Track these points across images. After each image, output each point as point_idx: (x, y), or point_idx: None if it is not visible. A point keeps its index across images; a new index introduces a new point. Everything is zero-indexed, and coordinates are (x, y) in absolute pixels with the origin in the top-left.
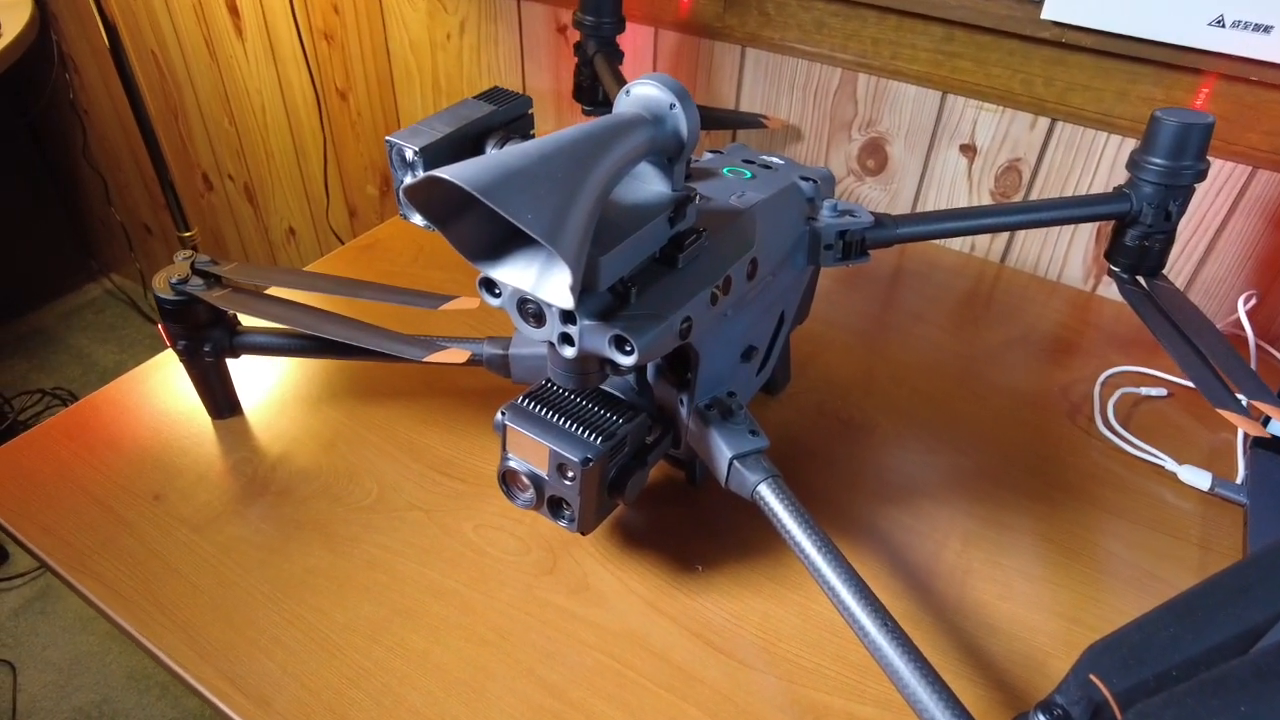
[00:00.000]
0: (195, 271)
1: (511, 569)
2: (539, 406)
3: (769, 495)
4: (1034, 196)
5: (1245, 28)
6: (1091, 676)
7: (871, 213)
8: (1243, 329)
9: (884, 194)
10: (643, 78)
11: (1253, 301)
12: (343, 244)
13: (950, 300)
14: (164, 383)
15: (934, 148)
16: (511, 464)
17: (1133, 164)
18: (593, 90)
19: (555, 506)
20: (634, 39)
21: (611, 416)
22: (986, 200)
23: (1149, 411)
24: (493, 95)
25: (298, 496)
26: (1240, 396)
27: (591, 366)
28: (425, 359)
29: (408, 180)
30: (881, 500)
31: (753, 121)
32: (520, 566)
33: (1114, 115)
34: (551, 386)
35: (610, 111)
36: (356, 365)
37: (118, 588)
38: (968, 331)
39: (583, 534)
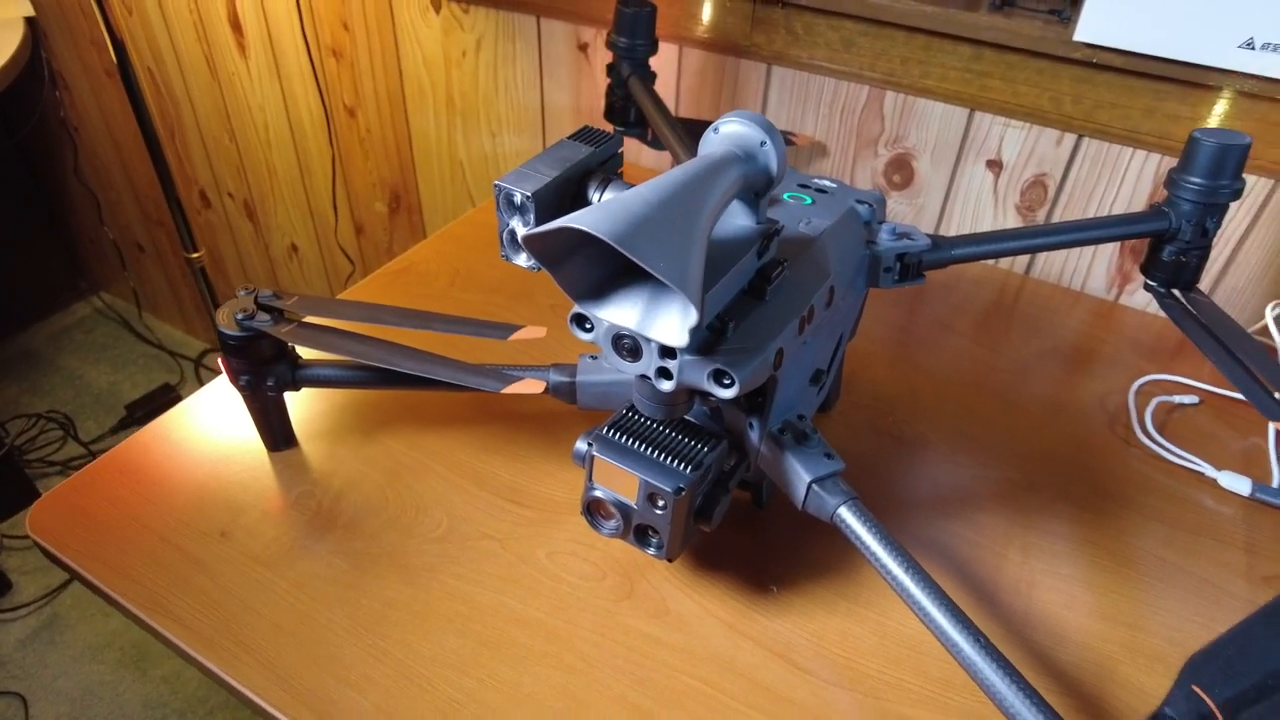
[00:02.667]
0: (260, 306)
1: (589, 595)
2: (625, 437)
3: (851, 518)
4: (1059, 210)
5: (1274, 49)
6: (1195, 688)
7: (927, 235)
8: (1270, 337)
9: (909, 208)
10: (729, 116)
11: (1278, 310)
12: (351, 261)
13: (977, 311)
14: (214, 416)
15: (960, 163)
16: (597, 494)
17: (1170, 183)
18: (625, 110)
19: (642, 534)
20: (658, 56)
21: (697, 445)
22: (1012, 214)
23: (1182, 419)
24: (587, 135)
25: (367, 530)
26: None
27: (681, 398)
28: (504, 390)
29: (516, 223)
30: (940, 515)
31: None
32: (597, 592)
33: (1140, 132)
34: (634, 416)
35: (643, 131)
36: (408, 395)
37: (198, 629)
38: (999, 342)
39: (669, 560)
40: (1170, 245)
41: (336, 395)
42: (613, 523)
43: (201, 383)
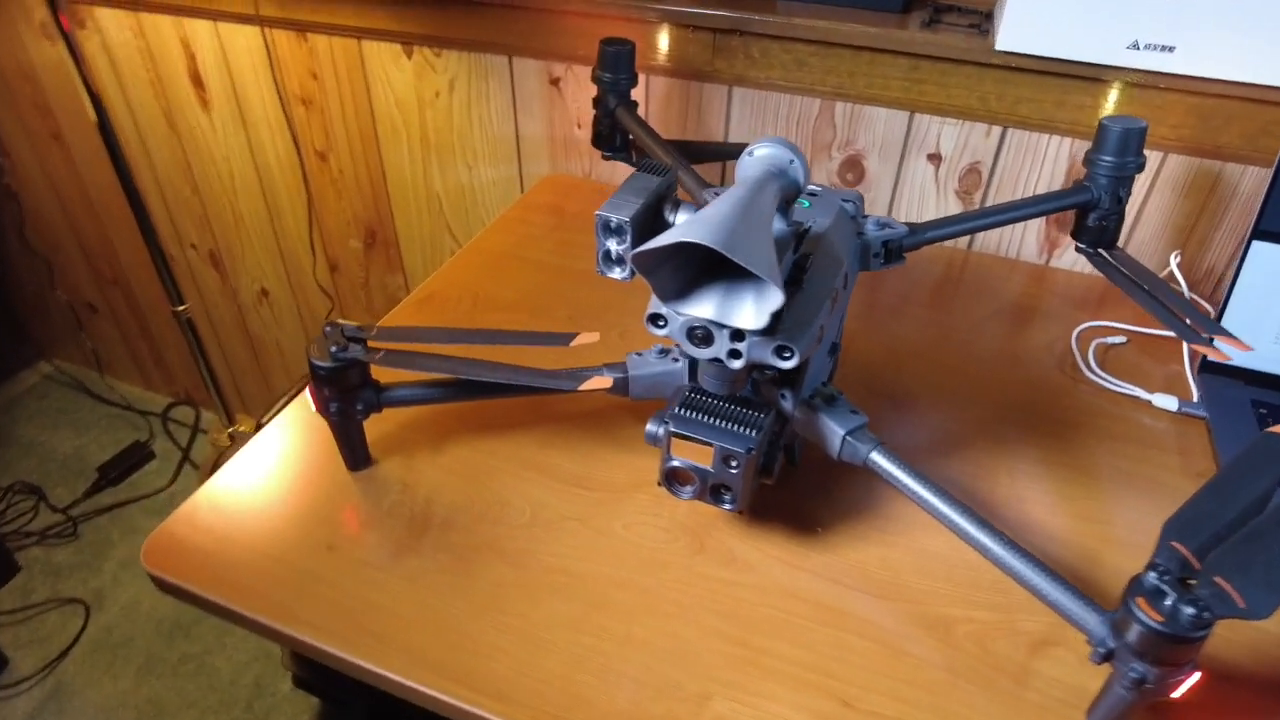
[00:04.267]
0: (348, 338)
1: (668, 554)
2: (695, 413)
3: (882, 460)
4: (992, 191)
5: (1155, 49)
6: (1173, 543)
7: (904, 223)
8: (1177, 281)
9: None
10: (761, 141)
11: (1179, 258)
12: (330, 298)
13: (931, 285)
14: (288, 447)
15: (905, 159)
16: (676, 463)
17: (1088, 162)
18: (611, 137)
19: (716, 493)
20: None
21: (754, 413)
22: (952, 199)
23: (1115, 356)
24: (650, 168)
25: (461, 525)
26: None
27: (741, 376)
28: (580, 388)
29: (613, 244)
30: (939, 454)
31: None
32: (674, 551)
33: (1055, 121)
34: (697, 397)
35: (628, 155)
36: (464, 406)
37: (331, 629)
38: (955, 309)
39: (740, 512)
40: (1094, 213)
41: (401, 416)
42: (690, 487)
43: (172, 437)
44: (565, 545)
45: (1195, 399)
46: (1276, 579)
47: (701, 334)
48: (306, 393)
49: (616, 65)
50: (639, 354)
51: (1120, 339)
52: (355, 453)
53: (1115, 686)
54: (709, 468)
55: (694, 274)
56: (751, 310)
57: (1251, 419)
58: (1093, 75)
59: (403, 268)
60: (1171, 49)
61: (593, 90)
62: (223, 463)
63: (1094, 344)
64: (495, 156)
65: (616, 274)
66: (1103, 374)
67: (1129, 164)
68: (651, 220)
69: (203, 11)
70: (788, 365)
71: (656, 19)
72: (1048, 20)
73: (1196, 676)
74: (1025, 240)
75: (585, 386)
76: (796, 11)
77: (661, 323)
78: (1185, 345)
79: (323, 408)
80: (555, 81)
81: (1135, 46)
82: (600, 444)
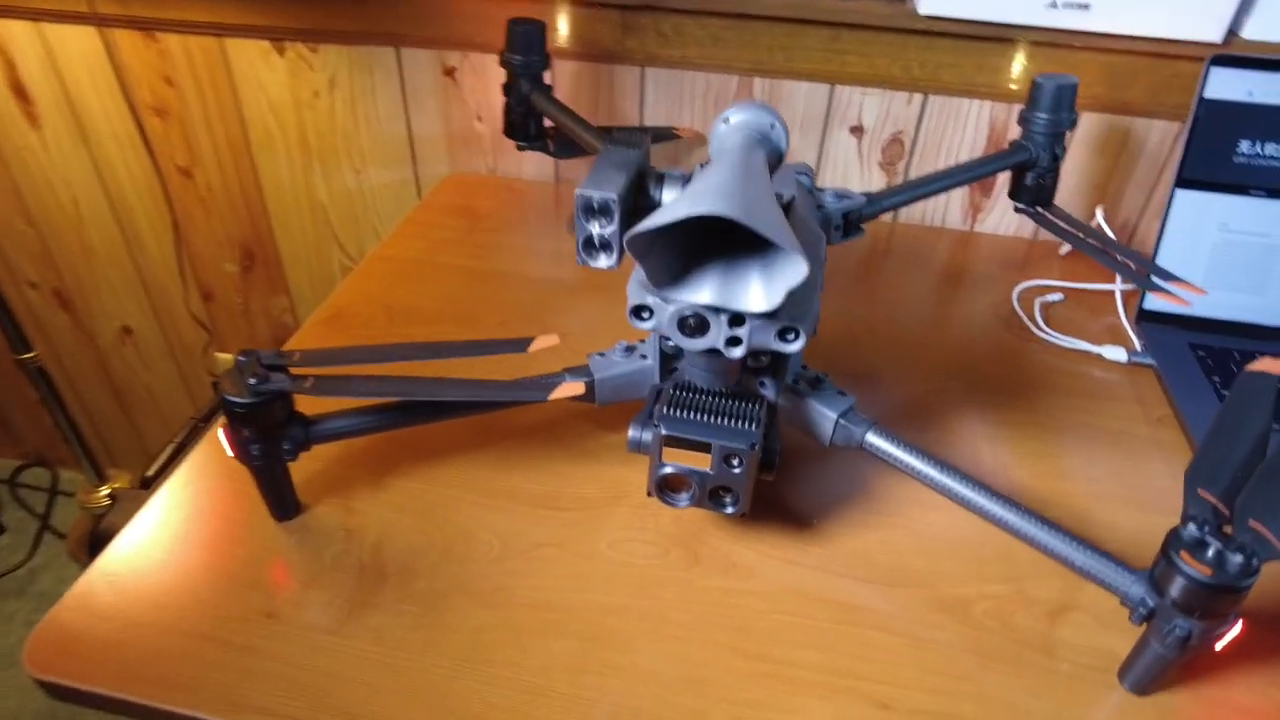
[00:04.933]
0: (267, 367)
1: (662, 570)
2: (687, 412)
3: (878, 440)
4: (915, 161)
5: (1072, 7)
6: (1201, 491)
7: (861, 193)
8: (1104, 232)
9: None
10: (735, 106)
11: (1102, 210)
12: (206, 330)
13: (865, 259)
14: (193, 504)
15: (827, 132)
16: (669, 470)
17: (1024, 120)
18: (525, 126)
19: (716, 497)
20: None
21: (747, 405)
22: (876, 171)
23: (1055, 313)
24: (624, 140)
25: (422, 570)
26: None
27: (735, 366)
28: (551, 397)
29: (596, 227)
30: (916, 428)
31: (666, 134)
32: (668, 566)
33: (976, 84)
34: (684, 394)
35: (545, 144)
36: (403, 434)
37: (288, 713)
38: (895, 281)
39: (744, 514)
40: (1032, 172)
41: (331, 451)
42: (686, 494)
43: (24, 504)
44: (546, 576)
45: (1139, 348)
46: None
47: (695, 323)
48: (220, 436)
49: (528, 46)
50: (601, 354)
51: (1058, 296)
52: (283, 500)
53: (1154, 645)
54: (708, 470)
55: (684, 257)
56: (759, 290)
57: (1194, 362)
58: (1013, 36)
59: (287, 289)
60: (1087, 6)
61: (492, 79)
62: (105, 528)
63: (1037, 303)
64: (386, 158)
65: (601, 262)
66: (1050, 331)
67: (1063, 120)
68: (634, 197)
69: (18, 10)
70: (793, 349)
71: None
72: None
73: (1239, 627)
74: (950, 207)
75: (556, 395)
76: None
77: (646, 315)
78: (1119, 297)
79: (243, 452)
80: (450, 72)
81: (1053, 5)
82: (563, 458)
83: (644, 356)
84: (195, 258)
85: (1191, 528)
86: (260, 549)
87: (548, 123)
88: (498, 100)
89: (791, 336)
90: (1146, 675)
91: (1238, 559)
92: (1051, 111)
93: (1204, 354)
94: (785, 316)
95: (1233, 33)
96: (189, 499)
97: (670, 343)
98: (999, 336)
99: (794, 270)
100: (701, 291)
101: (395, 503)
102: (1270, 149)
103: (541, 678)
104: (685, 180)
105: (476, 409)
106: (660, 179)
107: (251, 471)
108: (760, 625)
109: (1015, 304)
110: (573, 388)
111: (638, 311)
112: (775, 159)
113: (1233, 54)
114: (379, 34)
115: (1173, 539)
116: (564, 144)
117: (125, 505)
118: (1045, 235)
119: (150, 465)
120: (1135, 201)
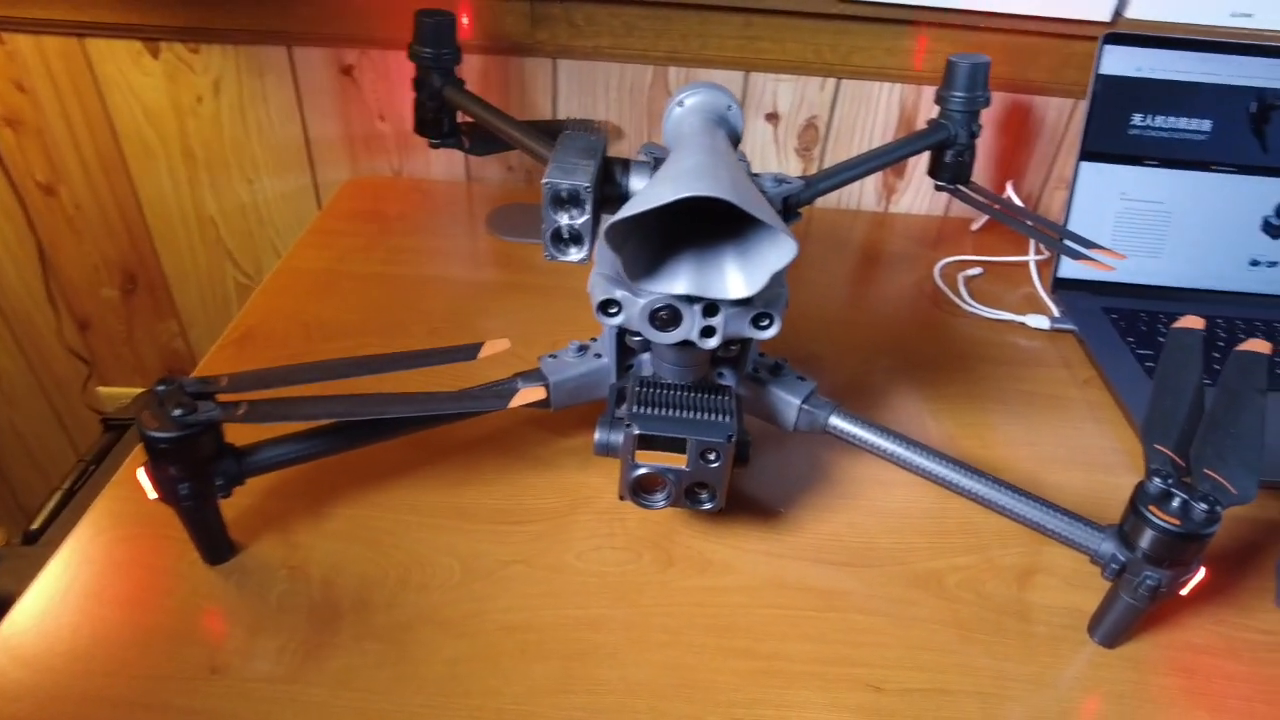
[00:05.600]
0: (191, 396)
1: (637, 576)
2: (658, 409)
3: (842, 423)
4: (830, 145)
5: None
6: (1156, 446)
7: (797, 177)
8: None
9: None
10: (688, 87)
11: (1012, 184)
12: (88, 364)
13: None
14: (107, 555)
15: (744, 121)
16: (644, 470)
17: (941, 100)
18: (439, 123)
19: (692, 494)
20: None
21: (720, 398)
22: (793, 157)
23: (977, 286)
24: (579, 125)
25: (380, 603)
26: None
27: (705, 358)
28: (511, 404)
29: (565, 218)
30: (861, 409)
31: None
32: (642, 570)
33: (886, 67)
34: (651, 391)
35: (459, 140)
36: (342, 458)
37: None
38: (820, 265)
39: (720, 509)
40: (951, 150)
41: (262, 484)
42: (662, 493)
43: None
44: (516, 596)
45: (1058, 314)
46: (1249, 459)
47: (667, 315)
48: (140, 476)
49: (438, 39)
50: (553, 356)
51: (977, 270)
52: (215, 541)
53: (1124, 598)
54: (683, 467)
55: (657, 248)
56: (738, 276)
57: (1109, 325)
58: (922, 19)
59: (176, 312)
60: None
61: (395, 76)
62: None
63: (960, 278)
64: (281, 166)
65: (572, 255)
66: (975, 304)
67: (979, 98)
68: (601, 185)
69: None
70: (767, 335)
71: None
72: None
73: (1203, 572)
74: (864, 190)
75: (516, 401)
76: None
77: (614, 310)
78: (1034, 267)
79: (168, 493)
80: (348, 70)
81: None
82: (516, 469)
83: (599, 355)
84: (66, 284)
85: (1156, 481)
86: (194, 597)
87: (461, 118)
88: (402, 98)
89: (766, 323)
90: (1116, 627)
91: (1201, 507)
92: (967, 90)
93: (1116, 316)
94: (760, 303)
95: (1118, 14)
96: (100, 551)
97: (637, 338)
98: (927, 312)
99: (781, 251)
100: (676, 282)
101: (340, 532)
102: (1159, 121)
103: (526, 704)
104: (654, 167)
105: (429, 424)
106: (626, 166)
107: (179, 513)
108: (744, 621)
109: (938, 280)
110: (533, 393)
111: (605, 307)
112: (734, 140)
113: (1123, 32)
114: (269, 32)
115: (1140, 494)
116: (480, 140)
117: (10, 564)
118: (957, 212)
119: (34, 518)
120: (1038, 175)
